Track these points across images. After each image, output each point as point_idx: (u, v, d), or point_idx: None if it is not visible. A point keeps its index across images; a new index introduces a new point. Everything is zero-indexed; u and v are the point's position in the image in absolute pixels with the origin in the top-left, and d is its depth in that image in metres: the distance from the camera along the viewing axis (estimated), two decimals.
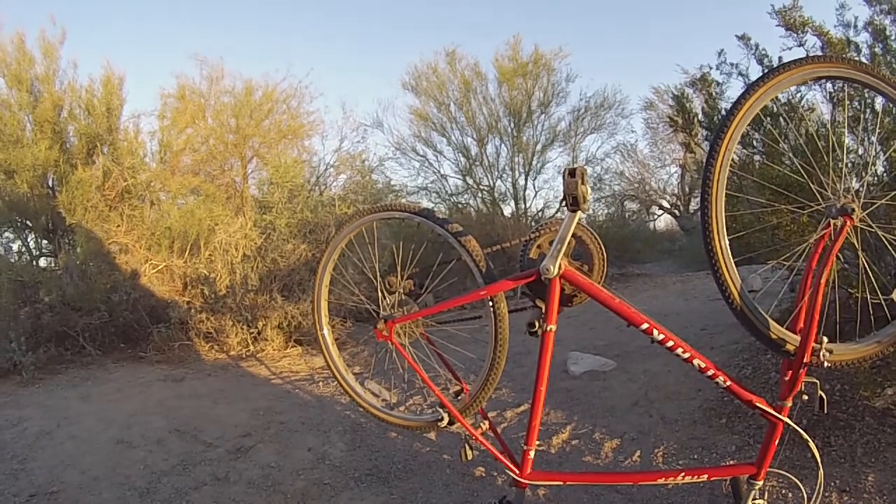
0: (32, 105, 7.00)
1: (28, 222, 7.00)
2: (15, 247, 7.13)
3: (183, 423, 4.42)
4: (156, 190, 7.47)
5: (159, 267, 6.93)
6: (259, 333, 6.71)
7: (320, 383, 5.45)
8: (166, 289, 6.90)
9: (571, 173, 1.91)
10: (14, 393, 5.16)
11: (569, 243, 2.08)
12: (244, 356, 6.51)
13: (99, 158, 7.02)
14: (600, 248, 2.20)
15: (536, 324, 2.16)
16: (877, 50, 3.96)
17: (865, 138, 3.53)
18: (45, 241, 7.30)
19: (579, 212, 1.99)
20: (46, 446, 3.99)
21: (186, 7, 26.79)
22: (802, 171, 2.32)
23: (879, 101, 3.52)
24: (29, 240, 7.23)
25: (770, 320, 2.05)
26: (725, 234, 2.02)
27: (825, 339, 2.01)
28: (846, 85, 3.43)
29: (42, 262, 7.29)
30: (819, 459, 2.08)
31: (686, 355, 2.06)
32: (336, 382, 3.42)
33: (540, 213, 12.17)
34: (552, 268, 2.05)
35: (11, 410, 4.65)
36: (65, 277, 6.33)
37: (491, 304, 2.23)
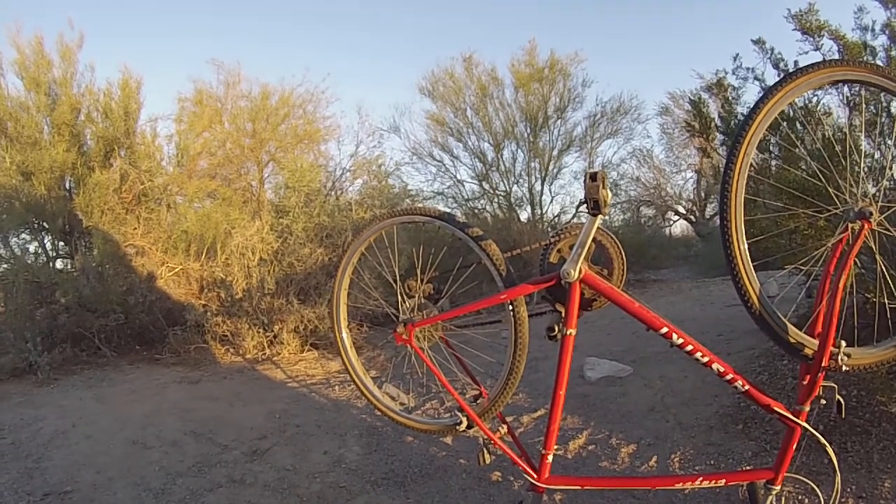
0: (50, 107, 7.08)
1: (45, 224, 7.05)
2: (32, 248, 7.18)
3: (198, 425, 4.44)
4: (172, 193, 7.53)
5: (176, 270, 6.98)
6: (275, 337, 6.74)
7: (336, 387, 5.47)
8: (182, 291, 6.95)
9: (593, 177, 1.92)
10: (30, 393, 5.22)
11: (589, 247, 2.09)
12: (260, 359, 6.55)
13: (116, 161, 7.11)
14: (620, 253, 2.21)
15: (556, 328, 2.16)
16: (894, 53, 3.95)
17: (882, 142, 3.51)
18: (61, 243, 7.35)
19: (600, 215, 2.00)
20: (61, 446, 4.03)
21: (203, 16, 27.05)
22: (820, 175, 2.32)
23: None
24: (46, 241, 7.27)
25: (788, 325, 2.05)
26: (744, 238, 2.02)
27: (843, 343, 2.01)
28: (863, 89, 3.42)
29: (58, 264, 7.34)
30: (836, 465, 2.08)
31: (705, 359, 2.06)
32: (353, 386, 3.43)
33: (556, 219, 12.18)
34: (573, 271, 2.06)
35: (27, 410, 4.70)
36: (81, 279, 6.40)
37: (511, 308, 2.24)
